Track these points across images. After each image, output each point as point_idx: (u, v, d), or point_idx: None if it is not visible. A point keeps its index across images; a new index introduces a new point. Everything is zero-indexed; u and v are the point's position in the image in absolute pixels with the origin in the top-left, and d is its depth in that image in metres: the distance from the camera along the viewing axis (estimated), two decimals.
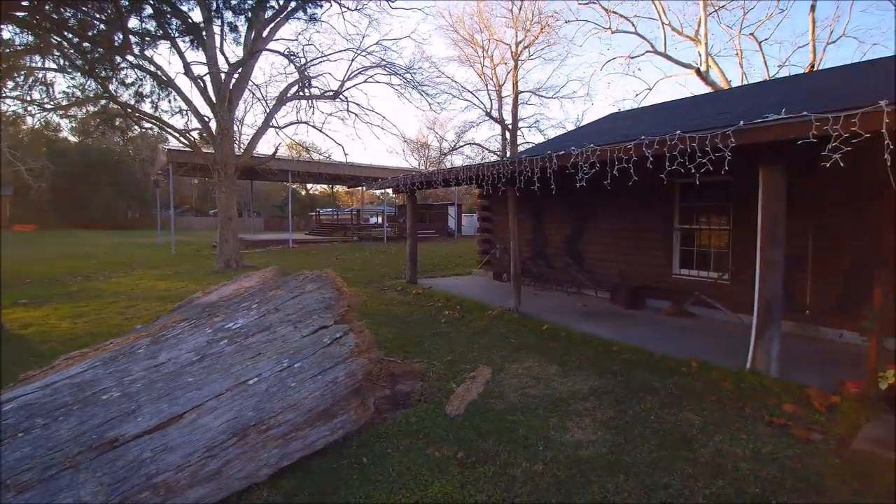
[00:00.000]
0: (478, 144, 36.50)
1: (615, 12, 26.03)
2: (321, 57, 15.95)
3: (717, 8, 24.25)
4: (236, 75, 13.14)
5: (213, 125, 13.14)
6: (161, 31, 10.66)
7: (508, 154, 31.56)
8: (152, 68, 11.97)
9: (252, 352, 3.09)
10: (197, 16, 11.82)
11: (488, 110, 34.82)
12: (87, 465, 2.37)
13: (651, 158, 4.49)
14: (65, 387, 2.64)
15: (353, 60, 15.94)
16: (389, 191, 14.95)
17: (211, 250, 17.56)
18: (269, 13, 12.70)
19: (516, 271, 7.42)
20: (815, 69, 20.49)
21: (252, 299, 3.46)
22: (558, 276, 9.46)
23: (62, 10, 8.34)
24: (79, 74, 10.91)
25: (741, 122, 3.92)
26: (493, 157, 33.03)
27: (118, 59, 10.57)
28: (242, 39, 12.66)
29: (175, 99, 12.96)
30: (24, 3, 8.36)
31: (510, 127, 34.41)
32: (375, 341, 3.81)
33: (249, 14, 11.44)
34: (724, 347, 5.28)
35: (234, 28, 11.53)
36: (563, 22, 33.11)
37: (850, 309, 5.38)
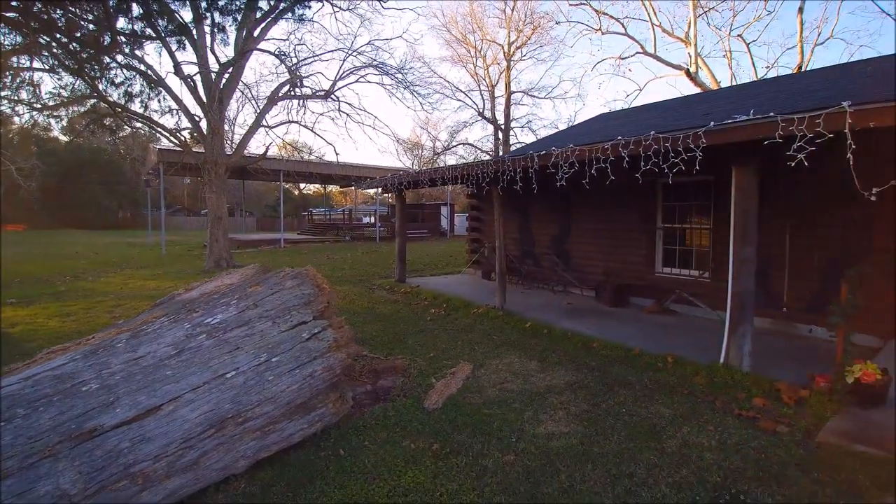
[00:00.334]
0: (471, 144, 36.60)
1: (605, 13, 26.24)
2: (312, 57, 16.10)
3: (706, 10, 24.53)
4: (227, 75, 13.16)
5: (203, 125, 13.16)
6: (150, 31, 10.66)
7: (501, 154, 31.66)
8: (142, 67, 11.95)
9: (230, 346, 3.16)
10: (187, 15, 11.85)
11: (481, 110, 34.94)
12: (66, 453, 2.44)
13: (627, 158, 4.59)
14: (46, 378, 2.70)
15: (344, 60, 16.05)
16: (381, 190, 15.01)
17: (201, 250, 17.55)
18: (258, 14, 12.73)
19: (502, 269, 7.51)
20: (802, 70, 20.74)
21: (232, 295, 3.53)
22: (545, 275, 9.56)
23: (51, 10, 8.35)
24: (67, 74, 10.89)
25: (711, 123, 4.03)
26: (486, 157, 33.09)
27: (107, 59, 10.56)
28: (231, 40, 12.68)
29: (165, 98, 12.94)
30: (13, 3, 8.36)
31: (503, 127, 34.50)
32: (355, 337, 3.89)
33: (238, 16, 11.46)
34: (702, 343, 5.39)
35: (222, 29, 11.55)
36: (555, 23, 33.11)
37: (823, 306, 5.51)
